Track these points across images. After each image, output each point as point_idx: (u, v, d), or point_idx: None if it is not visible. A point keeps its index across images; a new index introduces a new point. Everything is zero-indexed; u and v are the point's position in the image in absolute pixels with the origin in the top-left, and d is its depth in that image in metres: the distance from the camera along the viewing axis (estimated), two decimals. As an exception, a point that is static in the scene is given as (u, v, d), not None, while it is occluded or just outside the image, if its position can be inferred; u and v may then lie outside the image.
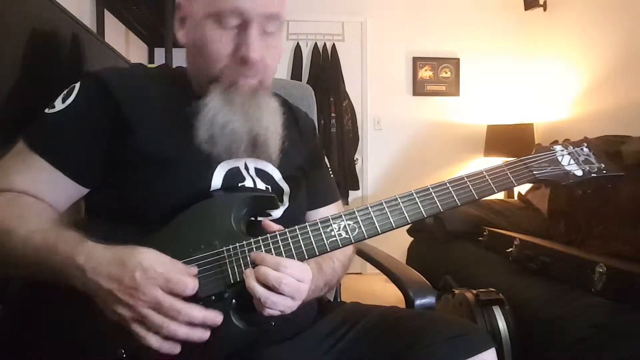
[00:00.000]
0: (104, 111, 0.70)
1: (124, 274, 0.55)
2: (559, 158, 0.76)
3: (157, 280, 0.55)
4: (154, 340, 0.55)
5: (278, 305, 0.61)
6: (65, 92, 0.72)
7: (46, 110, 0.71)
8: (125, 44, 2.45)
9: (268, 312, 0.62)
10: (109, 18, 2.12)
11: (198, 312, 0.57)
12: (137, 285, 0.55)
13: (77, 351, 0.62)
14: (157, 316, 0.55)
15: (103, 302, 0.57)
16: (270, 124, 0.76)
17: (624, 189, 1.72)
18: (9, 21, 0.89)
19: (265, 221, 0.69)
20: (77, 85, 0.73)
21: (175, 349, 0.56)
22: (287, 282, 0.61)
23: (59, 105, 0.71)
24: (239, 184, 0.75)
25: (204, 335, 0.58)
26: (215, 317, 0.58)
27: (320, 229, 0.66)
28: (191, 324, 0.57)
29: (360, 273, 3.42)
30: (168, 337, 0.56)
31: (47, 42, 1.01)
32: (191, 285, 0.57)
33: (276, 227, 0.68)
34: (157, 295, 0.55)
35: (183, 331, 0.56)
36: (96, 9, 1.98)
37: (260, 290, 0.60)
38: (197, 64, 0.76)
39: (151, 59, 2.82)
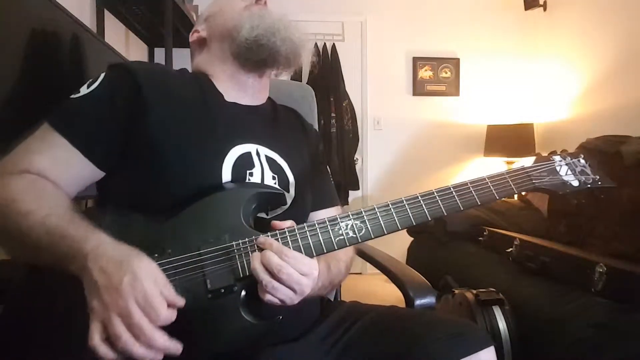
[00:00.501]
0: (126, 96, 0.73)
1: (114, 273, 0.56)
2: (557, 168, 0.79)
3: (139, 295, 0.55)
4: (101, 349, 0.54)
5: (279, 291, 0.62)
6: (91, 79, 0.76)
7: (72, 95, 0.74)
8: (125, 44, 2.45)
9: (269, 298, 0.62)
10: (109, 18, 2.12)
11: (160, 339, 0.55)
12: (120, 289, 0.55)
13: (79, 348, 0.61)
14: (120, 326, 0.54)
15: (87, 290, 0.57)
16: (304, 37, 0.86)
17: (624, 190, 1.71)
18: (9, 21, 0.89)
19: (275, 222, 0.70)
20: (103, 73, 0.76)
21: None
22: (287, 271, 0.62)
23: (83, 90, 0.74)
24: (248, 171, 0.77)
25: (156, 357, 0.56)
26: (176, 348, 0.57)
27: (328, 227, 0.68)
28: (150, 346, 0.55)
29: (360, 273, 3.42)
30: (120, 351, 0.54)
31: (47, 42, 1.01)
32: (164, 318, 0.56)
33: (285, 224, 0.69)
34: (131, 308, 0.54)
35: (138, 351, 0.54)
36: (96, 9, 1.98)
37: (262, 273, 0.62)
38: (223, 29, 0.87)
39: (151, 59, 2.82)
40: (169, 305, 0.57)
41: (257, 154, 0.80)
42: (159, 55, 2.75)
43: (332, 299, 1.09)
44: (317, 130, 1.09)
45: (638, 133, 2.02)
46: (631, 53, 2.69)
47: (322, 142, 1.03)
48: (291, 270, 0.62)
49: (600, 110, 2.95)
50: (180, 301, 0.59)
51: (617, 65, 2.80)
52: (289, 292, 0.63)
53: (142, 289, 0.55)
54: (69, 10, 1.08)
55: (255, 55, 0.83)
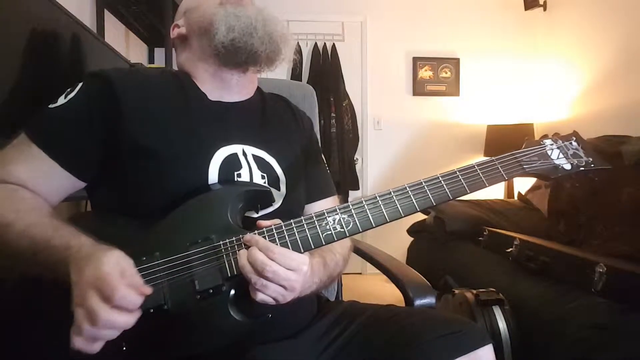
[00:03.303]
0: (104, 105, 0.72)
1: (84, 268, 0.56)
2: (549, 152, 0.76)
3: (96, 280, 0.54)
4: (76, 341, 0.54)
5: (268, 289, 0.61)
6: (69, 89, 0.75)
7: (49, 105, 0.73)
8: (125, 44, 2.45)
9: (261, 297, 0.62)
10: (109, 18, 2.12)
11: (117, 318, 0.54)
12: (82, 281, 0.55)
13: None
14: (79, 316, 0.54)
15: (72, 293, 0.56)
16: (285, 32, 0.82)
17: (624, 189, 1.71)
18: (9, 21, 0.89)
19: (260, 222, 0.69)
20: (81, 83, 0.75)
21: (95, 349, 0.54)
22: (270, 268, 0.61)
23: (61, 100, 0.73)
24: (235, 172, 0.76)
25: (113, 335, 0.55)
26: (136, 317, 0.57)
27: (316, 222, 0.67)
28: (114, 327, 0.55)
29: (360, 273, 3.42)
30: (90, 339, 0.54)
31: (47, 42, 1.02)
32: (121, 295, 0.54)
33: (271, 222, 0.68)
34: (86, 295, 0.54)
35: (105, 334, 0.54)
36: (96, 9, 1.98)
37: (249, 272, 0.61)
38: (200, 26, 0.83)
39: (151, 59, 2.81)
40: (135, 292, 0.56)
41: (244, 154, 0.78)
42: (159, 55, 2.76)
43: (332, 299, 1.09)
44: (313, 121, 1.05)
45: (638, 133, 2.02)
46: (631, 53, 2.69)
47: (318, 132, 1.00)
48: (276, 268, 0.61)
49: (600, 110, 2.95)
50: (147, 289, 0.58)
51: (617, 65, 2.80)
52: (279, 289, 0.62)
53: (99, 274, 0.54)
54: (69, 10, 1.09)
55: (235, 58, 0.80)
